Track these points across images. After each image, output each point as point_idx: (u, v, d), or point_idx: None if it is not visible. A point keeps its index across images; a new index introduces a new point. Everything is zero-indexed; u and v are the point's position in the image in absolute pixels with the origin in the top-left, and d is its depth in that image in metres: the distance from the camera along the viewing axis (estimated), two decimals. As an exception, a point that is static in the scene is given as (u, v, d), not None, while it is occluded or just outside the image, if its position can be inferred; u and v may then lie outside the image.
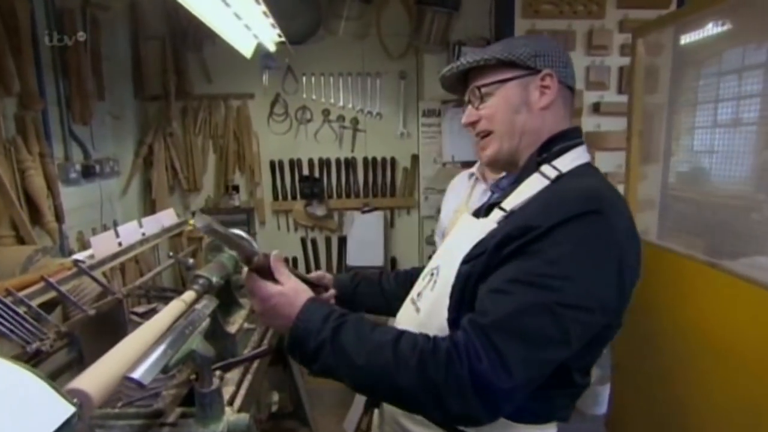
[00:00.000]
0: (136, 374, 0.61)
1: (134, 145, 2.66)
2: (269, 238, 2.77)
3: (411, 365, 0.54)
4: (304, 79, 2.62)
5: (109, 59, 2.31)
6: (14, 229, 1.65)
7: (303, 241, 2.80)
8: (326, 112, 2.73)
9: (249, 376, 1.12)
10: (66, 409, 0.47)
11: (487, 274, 0.57)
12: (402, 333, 0.59)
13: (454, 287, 0.63)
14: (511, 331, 0.50)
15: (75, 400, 0.55)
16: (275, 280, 0.72)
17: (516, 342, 0.50)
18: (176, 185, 2.82)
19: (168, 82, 2.60)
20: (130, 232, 1.35)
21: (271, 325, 0.70)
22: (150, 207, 2.72)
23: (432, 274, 0.70)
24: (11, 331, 0.77)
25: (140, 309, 1.25)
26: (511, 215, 0.58)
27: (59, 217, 1.85)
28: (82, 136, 2.16)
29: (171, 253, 1.25)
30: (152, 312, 1.17)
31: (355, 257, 2.66)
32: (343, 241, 2.75)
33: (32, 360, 0.77)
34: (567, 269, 0.50)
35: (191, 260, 1.25)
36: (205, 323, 0.87)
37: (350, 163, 2.67)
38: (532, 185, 0.58)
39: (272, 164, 2.73)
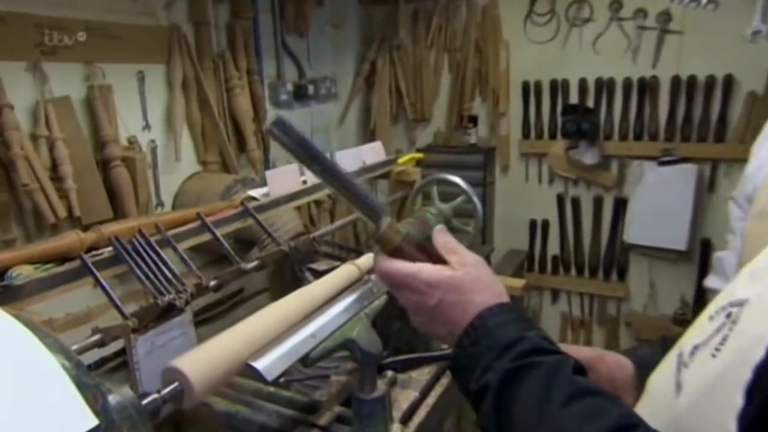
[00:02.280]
0: (260, 364, 0.62)
1: (355, 62, 2.83)
2: (512, 191, 2.81)
3: None
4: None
5: (328, -46, 2.52)
6: (221, 155, 1.93)
7: (559, 199, 2.71)
8: (615, 5, 2.36)
9: (442, 383, 1.09)
10: (84, 421, 0.39)
11: None
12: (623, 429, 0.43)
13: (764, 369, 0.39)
14: None
15: (175, 384, 0.58)
16: (429, 259, 0.59)
17: None
18: (400, 113, 2.93)
19: (398, -23, 2.70)
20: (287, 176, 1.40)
21: (428, 333, 0.59)
22: (369, 138, 2.89)
23: (726, 315, 0.46)
24: (147, 276, 0.78)
25: (322, 266, 1.25)
26: None
27: (265, 145, 2.06)
28: (297, 51, 2.35)
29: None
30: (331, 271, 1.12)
31: (639, 232, 2.50)
32: (621, 205, 2.58)
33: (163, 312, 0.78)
34: None
35: (386, 205, 1.14)
36: (379, 302, 0.87)
37: (648, 86, 2.40)
38: None
39: (525, 87, 2.64)
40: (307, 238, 1.14)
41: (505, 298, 0.57)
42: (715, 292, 0.58)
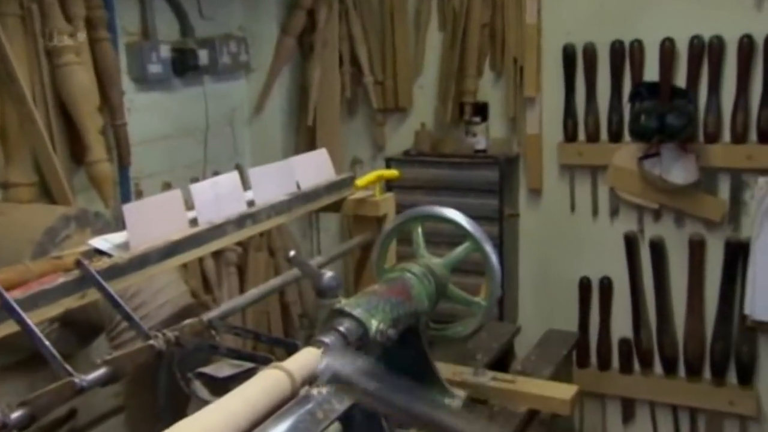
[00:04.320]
0: None
1: (281, 10, 2.84)
2: (549, 230, 2.87)
3: None
4: None
5: None
6: (38, 171, 1.89)
7: (630, 243, 2.78)
8: None
9: None
10: None
11: None
12: None
13: None
14: None
15: None
16: None
17: None
18: (359, 99, 2.95)
19: None
20: (221, 197, 1.40)
21: None
22: (307, 143, 2.89)
23: None
24: None
25: (223, 371, 1.26)
26: None
27: (122, 153, 2.01)
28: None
29: (291, 253, 1.23)
30: (244, 376, 1.14)
31: None
32: (739, 253, 2.65)
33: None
34: None
35: (329, 274, 1.22)
36: None
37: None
38: None
39: (568, 54, 2.74)
40: (198, 323, 1.14)
41: None
42: None
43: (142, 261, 1.17)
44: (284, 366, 0.94)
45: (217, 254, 2.56)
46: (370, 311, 1.15)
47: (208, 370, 1.22)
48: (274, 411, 0.88)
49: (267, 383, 0.90)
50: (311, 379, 0.96)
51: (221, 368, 1.24)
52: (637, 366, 2.80)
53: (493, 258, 1.45)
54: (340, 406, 0.93)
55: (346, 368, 0.86)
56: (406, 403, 0.82)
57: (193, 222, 1.33)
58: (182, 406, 1.20)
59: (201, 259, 2.49)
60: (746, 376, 2.66)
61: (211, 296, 2.54)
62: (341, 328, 1.09)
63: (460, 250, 1.46)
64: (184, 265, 2.28)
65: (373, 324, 1.13)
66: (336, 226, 3.15)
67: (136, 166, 2.25)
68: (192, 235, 1.28)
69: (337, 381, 0.85)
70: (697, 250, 2.67)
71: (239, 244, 2.64)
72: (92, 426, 1.68)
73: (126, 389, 1.59)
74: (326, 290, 1.19)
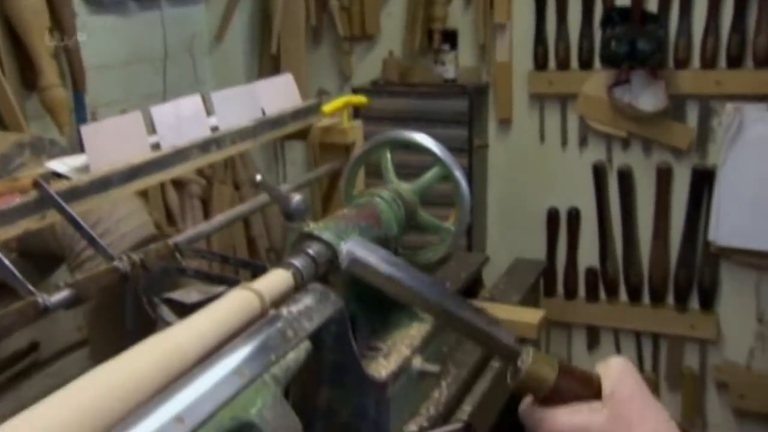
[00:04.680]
0: None
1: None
2: (519, 160, 2.89)
3: None
4: None
5: None
6: None
7: (598, 172, 2.81)
8: None
9: None
10: None
11: None
12: None
13: None
14: None
15: None
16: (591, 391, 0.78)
17: None
18: (325, 26, 2.93)
19: None
20: (183, 121, 1.38)
21: None
22: (270, 69, 2.86)
23: None
24: None
25: (191, 296, 1.26)
26: None
27: (76, 78, 1.98)
28: None
29: (258, 177, 1.20)
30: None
31: (737, 227, 2.61)
32: (705, 181, 2.70)
33: None
34: None
35: (297, 197, 1.19)
36: (295, 356, 0.91)
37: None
38: None
39: None
40: (163, 246, 1.11)
41: None
42: None
43: (104, 183, 1.14)
44: (253, 287, 0.93)
45: (180, 186, 2.53)
46: (339, 235, 1.13)
47: (175, 295, 1.21)
48: (242, 331, 0.87)
49: (236, 303, 0.89)
50: (281, 300, 0.96)
51: (189, 294, 1.22)
52: (602, 294, 2.86)
53: (463, 183, 1.43)
54: (310, 325, 0.93)
55: (366, 253, 0.88)
56: (425, 291, 0.87)
57: (155, 147, 1.30)
58: (148, 333, 1.18)
59: (164, 192, 2.46)
60: (707, 301, 2.74)
61: (175, 229, 2.51)
62: (310, 251, 1.07)
63: (429, 175, 1.44)
64: (146, 198, 2.26)
65: (345, 246, 1.11)
66: (302, 158, 3.13)
67: (92, 94, 2.20)
68: (155, 158, 1.25)
69: (358, 265, 0.88)
70: (664, 178, 2.71)
71: (203, 176, 2.62)
72: (55, 359, 1.66)
73: (89, 320, 1.58)
74: (294, 213, 1.17)
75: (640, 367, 2.86)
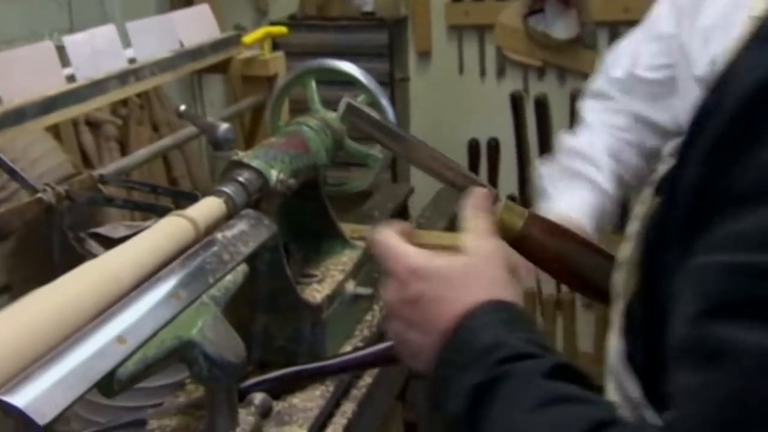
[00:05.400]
0: (20, 399, 0.63)
1: None
2: (438, 92, 2.90)
3: None
4: None
5: None
6: None
7: (516, 102, 2.84)
8: None
9: (349, 407, 1.19)
10: None
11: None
12: None
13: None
14: None
15: None
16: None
17: None
18: None
19: None
20: (98, 53, 1.35)
21: (403, 348, 0.79)
22: (183, 3, 2.77)
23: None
24: None
25: (117, 231, 1.24)
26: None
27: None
28: None
29: (182, 107, 1.19)
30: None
31: None
32: None
33: None
34: None
35: (224, 125, 1.21)
36: (233, 278, 0.93)
37: None
38: None
39: None
40: (87, 178, 1.10)
41: (504, 295, 0.73)
42: None
43: (18, 115, 1.12)
44: (186, 213, 0.94)
45: (95, 127, 2.45)
46: (268, 162, 1.14)
47: (101, 230, 1.20)
48: (178, 256, 0.88)
49: (169, 229, 0.90)
50: (214, 227, 0.97)
51: (116, 229, 1.22)
52: (524, 222, 2.93)
53: (389, 110, 1.45)
54: (246, 249, 0.95)
55: (359, 104, 0.94)
56: (410, 138, 0.96)
57: (71, 79, 1.28)
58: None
59: (78, 134, 2.38)
60: (623, 222, 2.82)
61: (92, 171, 2.45)
62: (241, 179, 1.08)
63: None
64: (60, 139, 2.19)
65: (273, 174, 1.12)
66: (221, 98, 3.07)
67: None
68: (71, 89, 1.24)
69: (353, 112, 0.92)
70: (577, 104, 2.75)
71: (119, 116, 2.54)
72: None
73: (9, 265, 1.55)
74: (222, 142, 1.17)
75: (558, 288, 2.96)
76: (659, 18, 1.32)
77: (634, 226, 0.77)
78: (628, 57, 1.35)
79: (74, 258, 1.17)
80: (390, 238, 0.79)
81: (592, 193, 1.22)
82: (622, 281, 0.77)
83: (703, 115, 0.59)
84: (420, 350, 0.75)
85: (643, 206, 0.74)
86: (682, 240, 0.59)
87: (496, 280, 0.75)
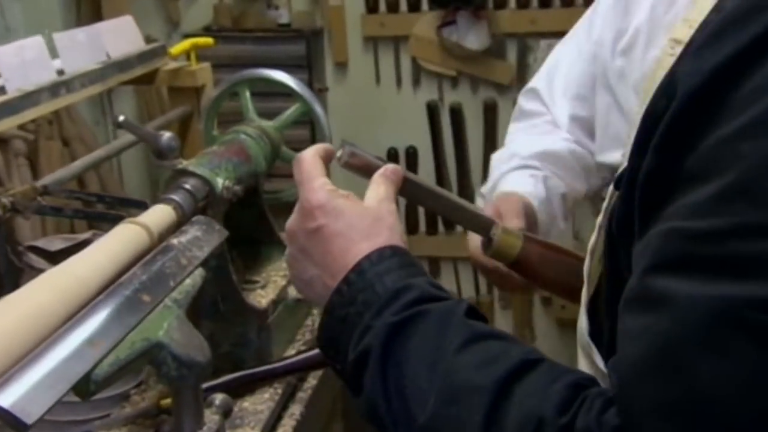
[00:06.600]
0: (5, 399, 0.63)
1: None
2: (355, 103, 2.93)
3: None
4: None
5: None
6: None
7: (432, 111, 2.89)
8: None
9: (297, 409, 1.21)
10: None
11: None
12: (524, 369, 0.66)
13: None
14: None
15: None
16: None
17: None
18: None
19: None
20: (28, 63, 1.33)
21: (300, 283, 0.83)
22: (89, 13, 2.75)
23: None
24: None
25: (54, 243, 1.22)
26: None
27: None
28: None
29: (121, 117, 1.18)
30: (77, 249, 1.10)
31: None
32: None
33: None
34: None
35: (167, 134, 1.21)
36: (192, 282, 0.95)
37: None
38: None
39: None
40: (30, 189, 1.08)
41: (402, 245, 0.78)
42: None
43: None
44: (139, 221, 0.94)
45: (3, 143, 2.37)
46: (213, 170, 1.15)
47: (39, 243, 1.18)
48: (136, 262, 0.88)
49: (126, 236, 0.90)
50: (166, 234, 0.97)
51: (52, 242, 1.22)
52: (441, 227, 2.99)
53: (323, 118, 1.48)
54: (201, 253, 0.96)
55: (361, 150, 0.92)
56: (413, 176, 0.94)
57: (1, 91, 1.26)
58: (17, 286, 1.16)
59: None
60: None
61: (2, 188, 2.36)
62: (187, 186, 1.08)
63: (290, 111, 1.48)
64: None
65: (219, 181, 1.13)
66: (132, 111, 3.01)
67: None
68: (4, 101, 1.21)
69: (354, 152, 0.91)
70: (490, 112, 2.86)
71: (28, 130, 2.46)
72: None
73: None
74: (165, 150, 1.16)
75: (477, 290, 3.06)
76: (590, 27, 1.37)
77: (599, 219, 0.82)
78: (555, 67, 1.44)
79: (13, 271, 1.15)
80: (312, 165, 0.83)
81: (539, 182, 1.30)
82: (589, 268, 0.82)
83: (651, 117, 0.64)
84: (313, 280, 0.79)
85: (605, 200, 0.79)
86: (640, 226, 0.64)
87: (394, 230, 0.79)
